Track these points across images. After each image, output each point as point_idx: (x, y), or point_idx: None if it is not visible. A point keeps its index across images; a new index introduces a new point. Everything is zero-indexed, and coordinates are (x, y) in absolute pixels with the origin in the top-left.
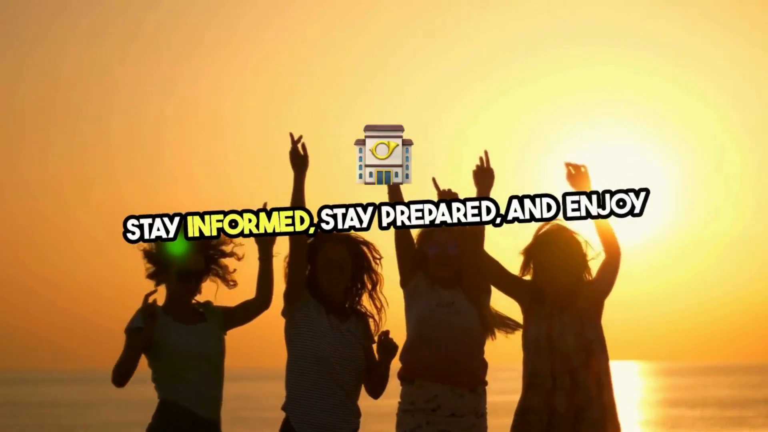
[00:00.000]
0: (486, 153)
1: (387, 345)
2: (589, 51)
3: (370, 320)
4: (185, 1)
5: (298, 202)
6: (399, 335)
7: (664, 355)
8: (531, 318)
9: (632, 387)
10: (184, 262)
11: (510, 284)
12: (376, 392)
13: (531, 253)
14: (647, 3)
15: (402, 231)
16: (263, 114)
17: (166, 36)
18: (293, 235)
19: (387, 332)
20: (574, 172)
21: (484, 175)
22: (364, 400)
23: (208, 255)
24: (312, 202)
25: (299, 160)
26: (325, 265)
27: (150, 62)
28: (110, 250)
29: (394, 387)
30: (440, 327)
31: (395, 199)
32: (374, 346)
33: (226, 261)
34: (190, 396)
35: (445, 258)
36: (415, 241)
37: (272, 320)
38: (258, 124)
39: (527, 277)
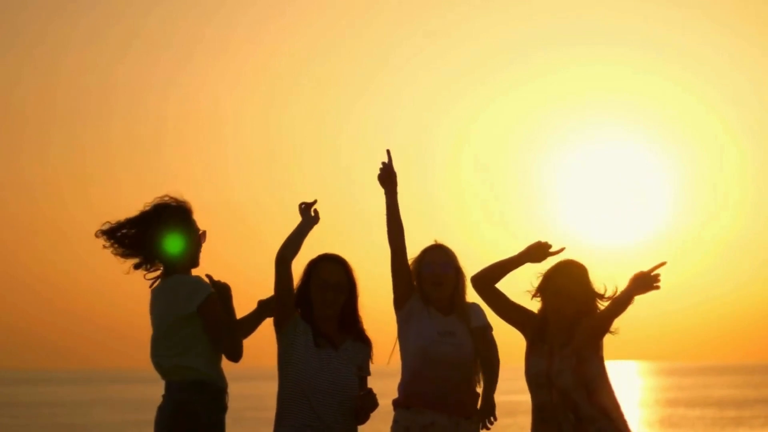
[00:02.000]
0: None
1: (368, 401)
2: (589, 51)
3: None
4: (185, 1)
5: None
6: (383, 354)
7: (664, 355)
8: (532, 355)
9: (632, 387)
10: (180, 260)
11: (516, 315)
12: (358, 423)
13: (549, 278)
14: (647, 3)
15: (397, 251)
16: (263, 114)
17: (166, 36)
18: (279, 256)
19: (370, 390)
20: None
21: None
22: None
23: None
24: (311, 199)
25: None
26: (321, 286)
27: (150, 62)
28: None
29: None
30: (440, 357)
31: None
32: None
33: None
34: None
35: (439, 278)
36: (410, 262)
37: (271, 320)
38: (258, 124)
39: (536, 300)
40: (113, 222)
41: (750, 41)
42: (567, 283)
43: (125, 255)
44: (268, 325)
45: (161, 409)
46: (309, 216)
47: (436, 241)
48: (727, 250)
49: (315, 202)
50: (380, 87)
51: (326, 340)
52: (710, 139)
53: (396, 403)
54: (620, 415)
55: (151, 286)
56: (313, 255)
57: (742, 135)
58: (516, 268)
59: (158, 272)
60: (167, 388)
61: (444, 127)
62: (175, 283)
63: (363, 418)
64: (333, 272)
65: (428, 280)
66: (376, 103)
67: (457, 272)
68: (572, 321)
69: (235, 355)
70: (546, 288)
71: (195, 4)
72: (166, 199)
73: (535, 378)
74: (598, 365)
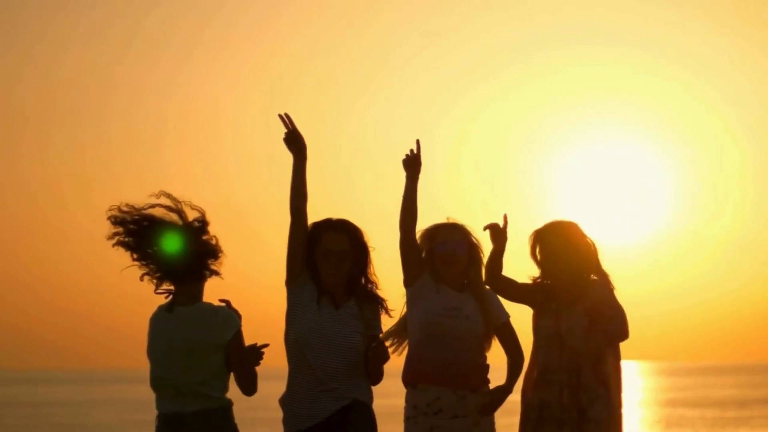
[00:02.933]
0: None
1: (377, 353)
2: (589, 51)
3: (382, 308)
4: (185, 1)
5: (299, 192)
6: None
7: (664, 355)
8: (541, 315)
9: (632, 387)
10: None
11: (523, 293)
12: (372, 382)
13: (539, 237)
14: (647, 3)
15: (408, 235)
16: (263, 114)
17: (166, 36)
18: (290, 206)
19: (379, 343)
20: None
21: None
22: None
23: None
24: (313, 201)
25: (299, 143)
26: (325, 255)
27: (150, 62)
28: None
29: (400, 388)
30: (444, 332)
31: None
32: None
33: None
34: None
35: (453, 256)
36: (419, 238)
37: (272, 320)
38: (258, 124)
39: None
40: (130, 210)
41: (750, 41)
42: (555, 242)
43: (126, 246)
44: (264, 324)
45: None
46: (294, 145)
47: (448, 218)
48: (727, 250)
49: (286, 115)
50: (380, 87)
51: (328, 299)
52: (710, 139)
53: (404, 382)
54: (618, 391)
55: (171, 304)
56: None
57: (743, 135)
58: (499, 255)
59: (169, 286)
60: (190, 417)
61: (444, 127)
62: (205, 312)
63: (374, 373)
64: (336, 241)
65: (440, 259)
66: (376, 103)
67: (471, 248)
68: (575, 276)
69: (252, 390)
70: (538, 252)
71: (195, 4)
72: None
73: (546, 339)
74: (614, 363)
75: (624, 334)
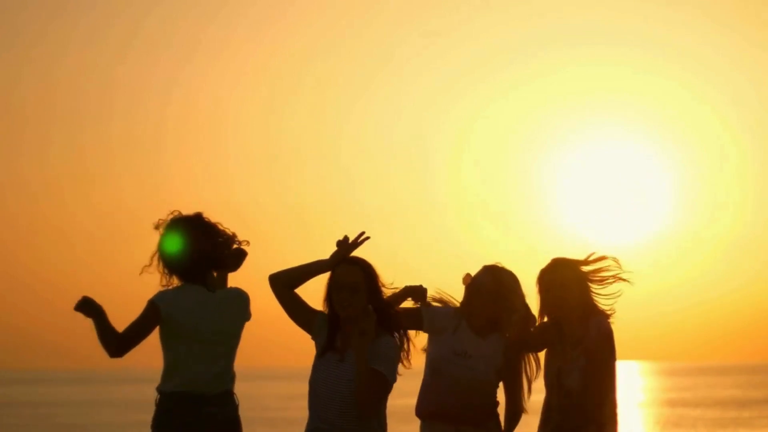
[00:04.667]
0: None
1: (362, 328)
2: (589, 51)
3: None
4: (186, 1)
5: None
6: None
7: (664, 355)
8: (549, 356)
9: (633, 387)
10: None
11: (540, 339)
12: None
13: (541, 280)
14: (647, 3)
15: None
16: (264, 114)
17: (166, 36)
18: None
19: (370, 315)
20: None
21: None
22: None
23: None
24: (312, 200)
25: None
26: (335, 287)
27: (150, 62)
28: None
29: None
30: (450, 378)
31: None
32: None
33: None
34: None
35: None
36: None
37: (272, 320)
38: (259, 124)
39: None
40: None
41: (750, 41)
42: (554, 278)
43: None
44: (265, 324)
45: (231, 421)
46: (340, 253)
47: (497, 263)
48: (727, 250)
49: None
50: (381, 87)
51: (333, 349)
52: (711, 139)
53: (416, 414)
54: (612, 424)
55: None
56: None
57: (743, 135)
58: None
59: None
60: (225, 399)
61: (444, 126)
62: (238, 293)
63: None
64: (347, 273)
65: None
66: (376, 103)
67: (500, 290)
68: (580, 317)
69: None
70: (540, 289)
71: (195, 4)
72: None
73: (547, 378)
74: (610, 377)
75: (603, 391)
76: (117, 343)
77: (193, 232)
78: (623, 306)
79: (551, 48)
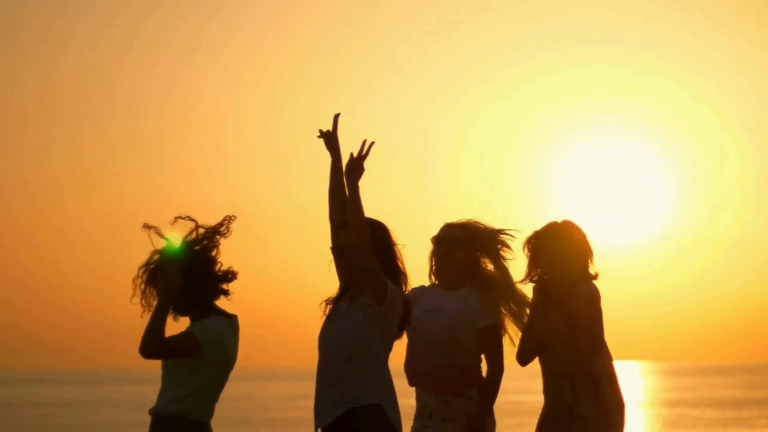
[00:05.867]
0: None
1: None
2: (589, 51)
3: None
4: (186, 1)
5: (359, 216)
6: None
7: (664, 355)
8: (533, 317)
9: (633, 387)
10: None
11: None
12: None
13: (541, 239)
14: (647, 3)
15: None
16: (264, 114)
17: (167, 36)
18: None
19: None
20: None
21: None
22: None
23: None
24: (312, 200)
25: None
26: (335, 252)
27: (151, 62)
28: (111, 250)
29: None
30: (421, 336)
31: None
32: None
33: None
34: None
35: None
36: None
37: (272, 320)
38: (259, 124)
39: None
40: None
41: (751, 41)
42: (560, 245)
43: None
44: (265, 325)
45: None
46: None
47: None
48: (728, 250)
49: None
50: (381, 87)
51: (338, 303)
52: (711, 139)
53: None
54: (613, 390)
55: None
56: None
57: (743, 135)
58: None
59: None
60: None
61: (444, 126)
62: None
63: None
64: (343, 237)
65: (433, 254)
66: (376, 103)
67: (471, 246)
68: (571, 279)
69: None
70: (539, 254)
71: (195, 4)
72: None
73: (537, 342)
74: (605, 362)
75: (590, 349)
76: (159, 343)
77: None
78: (623, 306)
79: (551, 48)
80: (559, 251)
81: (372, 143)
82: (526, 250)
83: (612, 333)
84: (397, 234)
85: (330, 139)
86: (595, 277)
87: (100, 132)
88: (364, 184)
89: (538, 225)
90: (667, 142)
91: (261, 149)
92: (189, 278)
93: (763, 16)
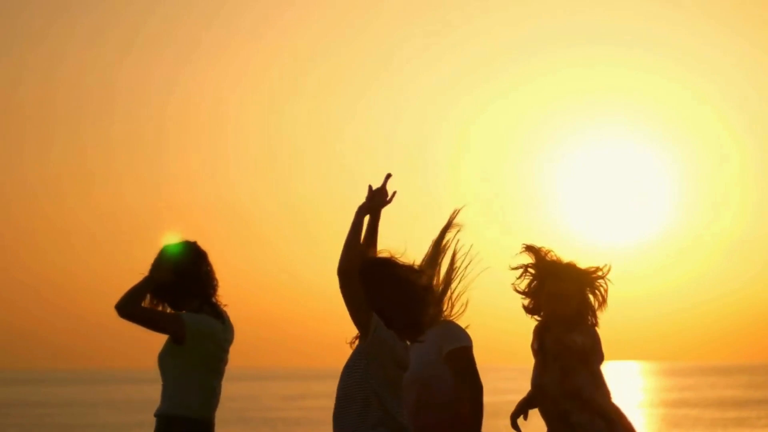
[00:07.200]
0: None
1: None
2: (589, 51)
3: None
4: (187, 1)
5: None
6: None
7: (664, 355)
8: (535, 366)
9: (633, 387)
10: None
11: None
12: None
13: (541, 280)
14: (647, 3)
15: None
16: (265, 114)
17: (167, 36)
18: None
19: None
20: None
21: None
22: None
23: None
24: (313, 200)
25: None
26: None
27: (151, 62)
28: (111, 250)
29: None
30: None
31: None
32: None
33: None
34: None
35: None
36: None
37: (272, 319)
38: (260, 124)
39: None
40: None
41: (751, 41)
42: (561, 284)
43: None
44: (265, 324)
45: None
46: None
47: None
48: (728, 250)
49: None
50: (382, 87)
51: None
52: (711, 139)
53: None
54: (621, 417)
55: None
56: (317, 258)
57: (744, 135)
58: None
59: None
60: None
61: (445, 127)
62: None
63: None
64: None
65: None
66: (377, 103)
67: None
68: (571, 323)
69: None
70: (539, 291)
71: (195, 4)
72: None
73: (534, 389)
74: (586, 377)
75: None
76: (136, 307)
77: None
78: (623, 306)
79: (551, 48)
80: (560, 290)
81: (389, 175)
82: (527, 281)
83: (612, 333)
84: (397, 234)
85: (382, 197)
86: (595, 323)
87: (100, 132)
88: (366, 183)
89: (539, 225)
90: (667, 142)
91: (261, 149)
92: (181, 275)
93: (764, 17)
